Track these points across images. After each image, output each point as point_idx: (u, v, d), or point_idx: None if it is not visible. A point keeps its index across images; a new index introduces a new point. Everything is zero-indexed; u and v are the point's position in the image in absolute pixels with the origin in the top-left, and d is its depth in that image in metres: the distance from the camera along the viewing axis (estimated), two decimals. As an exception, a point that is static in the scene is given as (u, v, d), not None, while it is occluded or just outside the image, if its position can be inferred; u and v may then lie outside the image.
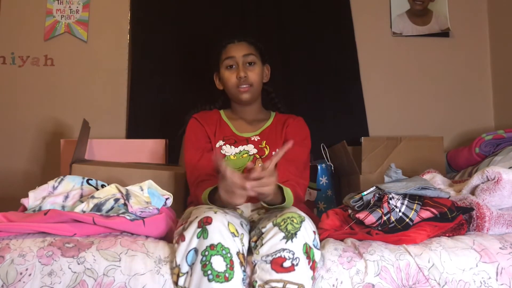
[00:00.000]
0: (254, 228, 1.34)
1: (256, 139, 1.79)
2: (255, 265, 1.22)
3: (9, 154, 2.52)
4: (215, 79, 1.92)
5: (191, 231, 1.21)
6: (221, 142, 1.77)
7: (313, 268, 1.22)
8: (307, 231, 1.24)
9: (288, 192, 1.42)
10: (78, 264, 1.19)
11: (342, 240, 1.41)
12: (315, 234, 1.27)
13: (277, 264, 1.18)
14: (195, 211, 1.33)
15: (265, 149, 1.77)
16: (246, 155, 1.75)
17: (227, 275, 1.16)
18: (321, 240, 1.42)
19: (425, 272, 1.26)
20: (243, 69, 1.79)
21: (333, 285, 1.24)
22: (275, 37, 2.64)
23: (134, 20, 2.61)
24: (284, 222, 1.23)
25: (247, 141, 1.79)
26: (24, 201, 1.47)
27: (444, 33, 2.73)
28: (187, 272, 1.19)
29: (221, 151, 1.76)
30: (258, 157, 1.74)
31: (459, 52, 2.74)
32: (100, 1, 2.61)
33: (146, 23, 2.61)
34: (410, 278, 1.25)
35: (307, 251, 1.21)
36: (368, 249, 1.30)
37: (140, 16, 2.61)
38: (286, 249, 1.19)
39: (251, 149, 1.76)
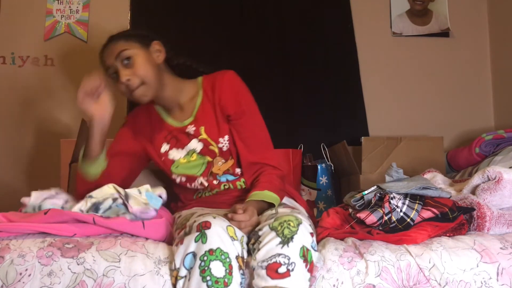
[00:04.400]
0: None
1: (193, 130, 1.61)
2: (253, 270, 1.20)
3: (9, 154, 2.52)
4: None
5: (191, 234, 1.19)
6: (166, 147, 1.65)
7: (310, 269, 1.20)
8: (304, 233, 1.21)
9: (268, 196, 1.46)
10: (78, 264, 1.19)
11: (342, 239, 1.41)
12: (313, 236, 1.24)
13: (272, 270, 1.16)
14: (193, 217, 1.32)
15: (212, 146, 1.61)
16: (194, 155, 1.61)
17: (226, 280, 1.14)
18: (321, 239, 1.42)
19: (425, 272, 1.26)
20: (122, 72, 1.53)
21: (334, 285, 1.24)
22: (275, 37, 2.64)
23: (134, 20, 2.61)
24: (281, 226, 1.20)
25: (187, 135, 1.62)
26: (25, 199, 1.47)
27: (444, 33, 2.73)
28: (185, 276, 1.17)
29: (169, 156, 1.64)
30: (211, 159, 1.61)
31: (459, 52, 2.74)
32: (100, 1, 2.61)
33: (146, 23, 2.61)
34: (410, 278, 1.25)
35: (304, 254, 1.19)
36: (369, 249, 1.30)
37: (140, 16, 2.61)
38: (281, 254, 1.17)
39: (195, 145, 1.61)
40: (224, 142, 1.60)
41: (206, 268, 1.14)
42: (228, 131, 1.61)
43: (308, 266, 1.19)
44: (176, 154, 1.64)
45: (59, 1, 2.59)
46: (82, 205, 1.38)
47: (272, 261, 1.16)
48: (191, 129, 1.62)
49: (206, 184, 1.62)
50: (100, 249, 1.23)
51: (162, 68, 1.62)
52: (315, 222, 1.64)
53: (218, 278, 1.14)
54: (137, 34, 1.62)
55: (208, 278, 1.13)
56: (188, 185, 1.64)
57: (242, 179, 1.63)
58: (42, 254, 1.20)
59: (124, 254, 1.23)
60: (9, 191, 2.46)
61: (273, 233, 1.20)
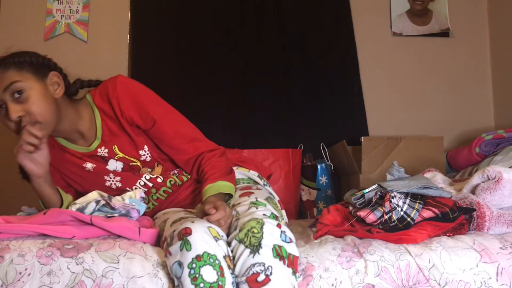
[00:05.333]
0: None
1: (105, 152, 1.46)
2: (237, 284, 1.17)
3: (9, 154, 2.51)
4: None
5: (174, 244, 1.17)
6: (89, 165, 1.49)
7: (290, 264, 1.18)
8: (271, 232, 1.19)
9: (223, 187, 1.40)
10: (77, 264, 1.19)
11: (342, 237, 1.41)
12: (280, 227, 1.21)
13: (253, 281, 1.14)
14: (168, 225, 1.28)
15: (133, 163, 1.49)
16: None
17: (220, 283, 1.12)
18: (321, 236, 1.43)
19: (425, 272, 1.26)
20: (12, 108, 1.31)
21: (332, 285, 1.24)
22: (275, 37, 2.64)
23: (134, 20, 2.61)
24: (247, 237, 1.18)
25: (101, 158, 1.47)
26: (24, 207, 1.47)
27: (444, 33, 2.73)
28: (178, 286, 1.15)
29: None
30: (137, 173, 1.50)
31: (459, 52, 2.75)
32: (100, 1, 2.62)
33: (146, 23, 2.61)
34: (410, 278, 1.25)
35: (278, 253, 1.17)
36: (368, 248, 1.30)
37: (140, 16, 2.62)
38: (255, 263, 1.15)
39: (114, 165, 1.48)
40: (146, 153, 1.48)
41: (197, 275, 1.11)
42: (146, 141, 1.48)
43: (287, 262, 1.17)
44: None
45: (59, 1, 2.59)
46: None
47: (250, 273, 1.14)
48: (102, 151, 1.46)
49: (150, 184, 1.51)
50: (99, 250, 1.23)
51: (59, 102, 1.41)
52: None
53: (211, 283, 1.11)
54: (32, 62, 1.38)
55: (201, 285, 1.10)
56: (127, 189, 1.50)
57: (184, 172, 1.54)
58: (41, 254, 1.20)
59: (122, 255, 1.23)
60: (9, 191, 2.46)
61: (242, 246, 1.18)
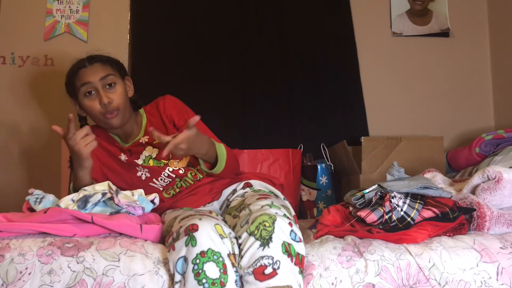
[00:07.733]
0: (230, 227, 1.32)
1: (146, 139, 1.70)
2: (241, 277, 1.20)
3: (9, 154, 2.52)
4: (75, 106, 1.74)
5: (180, 240, 1.20)
6: (123, 156, 1.69)
7: (298, 262, 1.20)
8: (282, 229, 1.21)
9: (220, 148, 1.58)
10: (78, 263, 1.19)
11: (342, 237, 1.41)
12: (291, 226, 1.24)
13: (259, 273, 1.16)
14: (176, 221, 1.31)
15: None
16: (151, 161, 1.68)
17: (222, 280, 1.14)
18: (321, 236, 1.43)
19: (425, 272, 1.26)
20: (104, 94, 1.60)
21: (332, 284, 1.24)
22: (275, 37, 2.64)
23: (134, 20, 2.62)
24: (258, 230, 1.21)
25: (141, 145, 1.70)
26: (32, 189, 1.48)
27: (444, 33, 2.74)
28: (180, 281, 1.17)
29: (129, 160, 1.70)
30: (166, 162, 1.67)
31: (459, 52, 2.75)
32: (100, 1, 2.62)
33: (146, 23, 2.61)
34: (410, 278, 1.25)
35: (287, 249, 1.19)
36: (369, 248, 1.30)
37: (140, 16, 2.62)
38: (264, 256, 1.18)
39: (151, 151, 1.69)
40: None
41: (200, 271, 1.14)
42: (177, 132, 1.66)
43: (295, 260, 1.20)
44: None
45: (59, 1, 2.59)
46: (75, 195, 1.40)
47: (258, 265, 1.17)
48: (144, 139, 1.70)
49: (173, 175, 1.65)
50: (100, 249, 1.23)
51: (128, 104, 1.71)
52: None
53: (214, 279, 1.14)
54: (119, 64, 1.72)
55: (204, 281, 1.13)
56: (154, 180, 1.66)
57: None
58: (42, 253, 1.20)
59: (123, 253, 1.23)
60: (10, 191, 2.46)
61: (252, 238, 1.20)
